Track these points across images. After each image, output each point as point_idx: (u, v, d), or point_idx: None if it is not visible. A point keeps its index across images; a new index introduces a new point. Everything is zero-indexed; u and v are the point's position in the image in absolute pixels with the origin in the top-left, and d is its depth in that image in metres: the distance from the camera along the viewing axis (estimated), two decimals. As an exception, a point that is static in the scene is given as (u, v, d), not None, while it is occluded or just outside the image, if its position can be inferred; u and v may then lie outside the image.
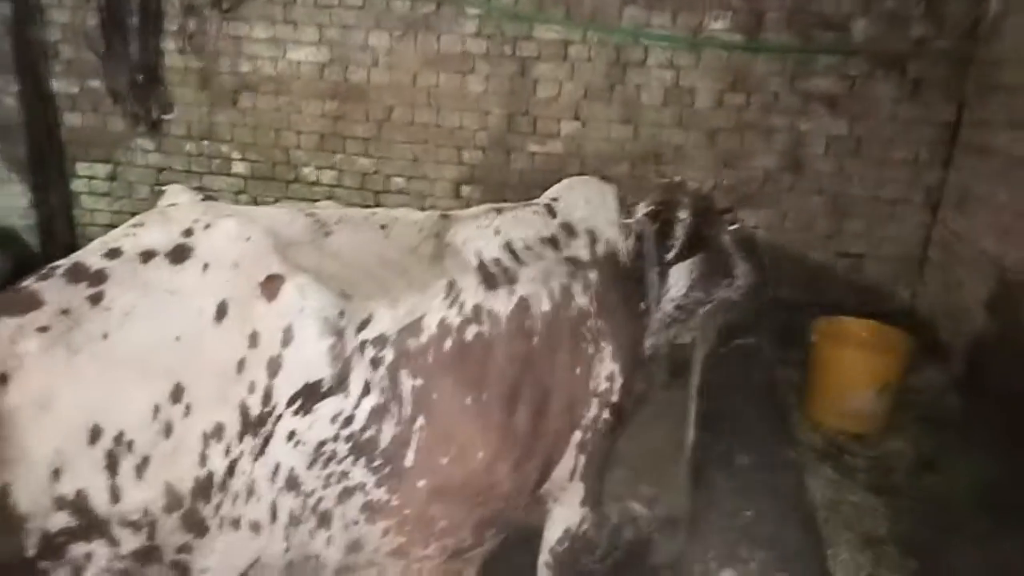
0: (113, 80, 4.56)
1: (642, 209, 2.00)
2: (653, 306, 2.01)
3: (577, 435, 1.79)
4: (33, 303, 1.08)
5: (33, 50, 4.66)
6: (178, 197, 1.37)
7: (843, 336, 3.21)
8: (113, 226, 4.24)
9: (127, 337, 1.10)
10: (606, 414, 1.82)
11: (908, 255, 4.15)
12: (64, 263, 1.15)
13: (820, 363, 3.16)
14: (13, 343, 1.05)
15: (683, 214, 1.98)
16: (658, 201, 2.09)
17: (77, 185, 4.89)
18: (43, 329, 1.06)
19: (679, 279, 2.07)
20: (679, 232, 1.94)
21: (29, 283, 1.11)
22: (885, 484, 2.73)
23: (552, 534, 1.99)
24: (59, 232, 4.89)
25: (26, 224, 4.81)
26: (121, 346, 1.10)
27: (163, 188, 1.38)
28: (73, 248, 4.40)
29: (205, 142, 4.69)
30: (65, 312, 1.08)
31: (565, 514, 1.95)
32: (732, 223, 2.31)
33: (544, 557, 2.03)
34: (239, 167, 4.69)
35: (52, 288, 1.10)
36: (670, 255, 1.99)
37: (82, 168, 4.85)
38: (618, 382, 1.81)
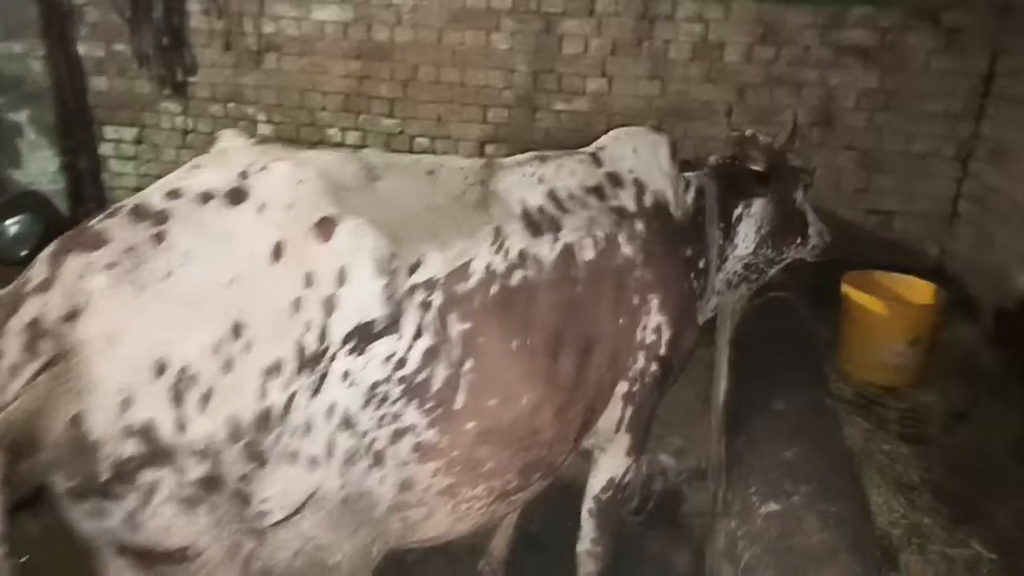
0: (139, 43, 4.57)
1: (711, 162, 1.98)
2: (715, 263, 2.01)
3: (624, 386, 1.80)
4: (100, 241, 1.11)
5: (59, 14, 4.68)
6: (232, 141, 1.39)
7: (874, 289, 3.20)
8: (141, 189, 4.30)
9: (188, 276, 1.13)
10: (653, 366, 1.83)
11: (938, 210, 4.11)
12: (128, 203, 1.17)
13: (851, 316, 3.15)
14: (83, 279, 1.08)
15: (754, 169, 1.96)
16: (728, 155, 2.07)
17: (105, 149, 4.94)
18: (110, 266, 1.09)
19: (747, 236, 2.06)
20: (748, 187, 1.92)
21: (95, 222, 1.14)
22: (917, 434, 2.74)
23: (597, 483, 2.02)
24: (88, 196, 4.95)
25: (56, 188, 4.88)
26: (183, 284, 1.12)
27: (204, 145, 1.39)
28: (102, 211, 4.46)
29: (230, 104, 4.71)
30: (130, 250, 1.11)
31: (610, 463, 1.98)
32: (807, 181, 2.29)
33: (588, 505, 2.07)
34: (264, 129, 4.71)
35: (117, 227, 1.13)
36: (738, 211, 1.98)
37: (109, 132, 4.89)
38: (666, 335, 1.82)
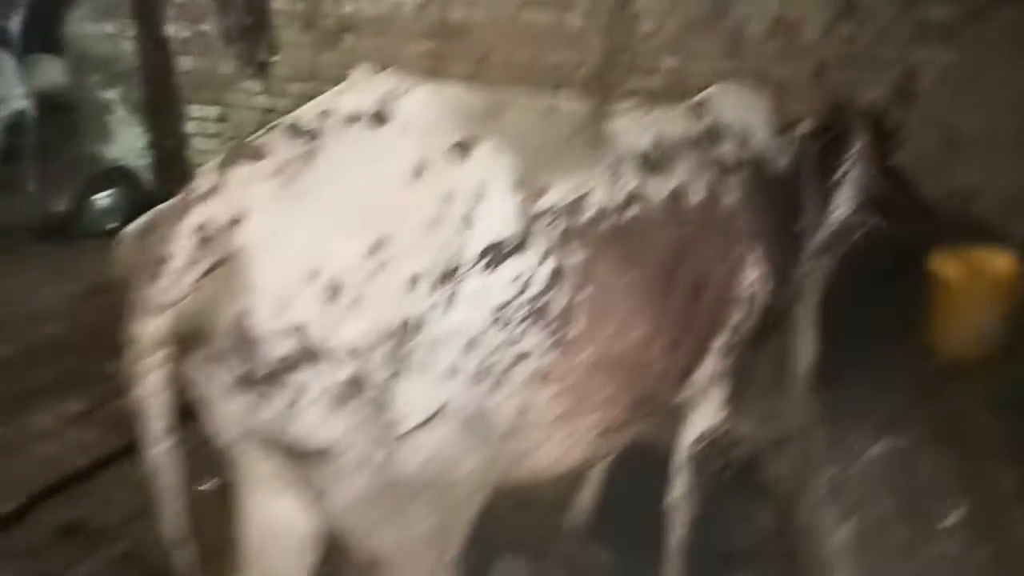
0: (224, 23, 4.73)
1: (807, 126, 2.00)
2: (810, 228, 2.03)
3: (722, 338, 1.84)
4: (261, 154, 1.19)
5: (149, -5, 4.88)
6: (367, 72, 1.46)
7: (962, 264, 3.14)
8: (224, 165, 4.36)
9: (338, 191, 1.21)
10: (751, 319, 1.86)
11: (1024, 188, 4.00)
12: (284, 121, 1.25)
13: (939, 292, 3.11)
14: (245, 188, 1.16)
15: (852, 134, 1.98)
16: (825, 119, 2.09)
17: (190, 127, 5.12)
18: (270, 178, 1.17)
19: (842, 203, 2.07)
20: (846, 153, 1.94)
21: (257, 137, 1.22)
22: (1008, 403, 2.69)
23: (689, 435, 2.06)
24: (173, 172, 5.14)
25: (142, 164, 5.08)
26: (333, 198, 1.20)
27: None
28: (186, 187, 4.62)
29: (310, 83, 4.83)
30: (287, 164, 1.19)
31: (704, 416, 2.01)
32: (894, 152, 2.28)
33: (679, 457, 2.11)
34: (342, 107, 4.81)
35: (276, 143, 1.21)
36: (834, 176, 2.00)
37: (194, 110, 5.07)
38: (765, 288, 1.85)
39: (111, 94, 4.98)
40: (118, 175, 5.03)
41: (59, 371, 3.39)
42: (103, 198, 4.95)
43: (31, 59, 6.34)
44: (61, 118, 6.21)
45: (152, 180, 5.09)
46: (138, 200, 4.99)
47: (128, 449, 2.90)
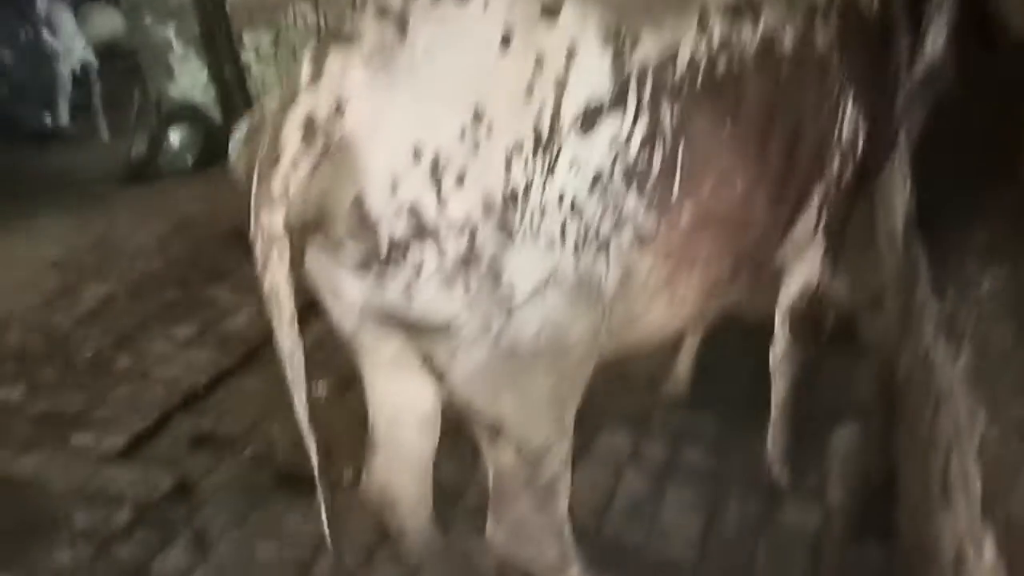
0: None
1: None
2: (904, 71, 1.94)
3: (821, 189, 1.80)
4: (354, 40, 1.20)
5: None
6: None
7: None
8: (285, 90, 4.35)
9: (431, 69, 1.22)
10: (851, 167, 1.82)
11: None
12: (369, 5, 1.25)
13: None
14: (344, 75, 1.19)
15: None
16: None
17: (246, 56, 5.16)
18: (365, 62, 1.19)
19: (932, 42, 1.96)
20: None
21: (346, 23, 1.23)
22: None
23: (791, 291, 2.06)
24: (237, 103, 5.22)
25: (207, 99, 5.18)
26: (427, 77, 1.21)
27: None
28: (250, 115, 4.64)
29: (358, -5, 4.77)
30: (380, 47, 1.20)
31: (805, 270, 2.00)
32: None
33: (782, 314, 2.11)
34: (392, 15, 4.75)
35: (366, 27, 1.22)
36: (927, 13, 1.88)
37: (248, 38, 5.09)
38: (863, 134, 1.79)
39: (168, 31, 5.03)
40: (186, 112, 5.14)
41: (164, 302, 3.58)
42: (175, 137, 5.08)
43: (86, 9, 6.47)
44: (123, 64, 6.36)
45: (219, 114, 5.18)
46: (208, 133, 5.12)
47: (241, 365, 3.10)
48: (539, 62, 1.24)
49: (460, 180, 1.20)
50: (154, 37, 5.06)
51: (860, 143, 1.81)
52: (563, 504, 1.64)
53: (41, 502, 2.45)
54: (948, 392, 1.66)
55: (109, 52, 6.48)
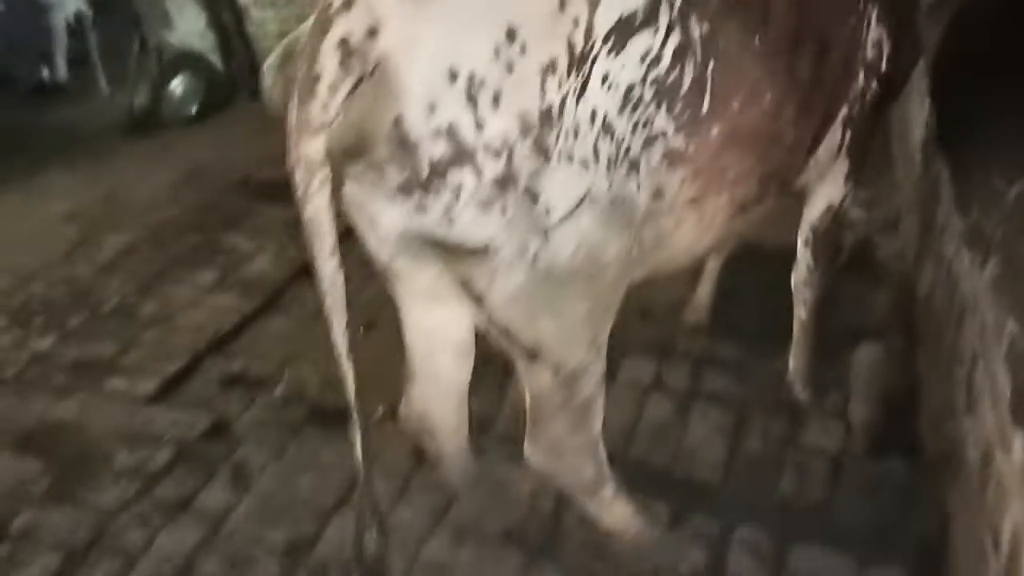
0: None
1: None
2: None
3: (844, 108, 1.80)
4: None
5: None
6: None
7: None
8: (283, 34, 4.38)
9: None
10: (873, 86, 1.81)
11: None
12: None
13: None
14: (376, -1, 1.18)
15: None
16: None
17: (244, 0, 5.07)
18: None
19: None
20: None
21: None
22: None
23: (813, 211, 2.08)
24: (237, 48, 5.15)
25: (207, 45, 5.10)
26: None
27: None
28: (254, 62, 4.67)
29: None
30: None
31: (828, 191, 2.02)
32: None
33: (804, 235, 2.14)
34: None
35: None
36: None
37: (246, -19, 5.00)
38: (886, 51, 1.79)
39: (163, -22, 4.94)
40: (187, 60, 5.07)
41: (183, 250, 3.61)
42: (178, 85, 5.02)
43: (76, -44, 6.30)
44: (118, 14, 6.24)
45: (219, 60, 5.11)
46: (210, 81, 5.06)
47: (265, 308, 3.14)
48: None
49: (496, 100, 1.21)
50: (151, -17, 4.97)
51: (884, 62, 1.80)
52: (598, 424, 1.69)
53: (82, 444, 2.51)
54: (973, 303, 1.69)
55: (103, 2, 6.35)
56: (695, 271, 2.82)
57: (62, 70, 5.96)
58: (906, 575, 1.91)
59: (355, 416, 1.50)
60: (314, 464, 2.37)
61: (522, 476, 2.22)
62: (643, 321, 2.75)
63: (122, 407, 2.66)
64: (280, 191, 4.36)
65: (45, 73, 5.96)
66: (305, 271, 3.29)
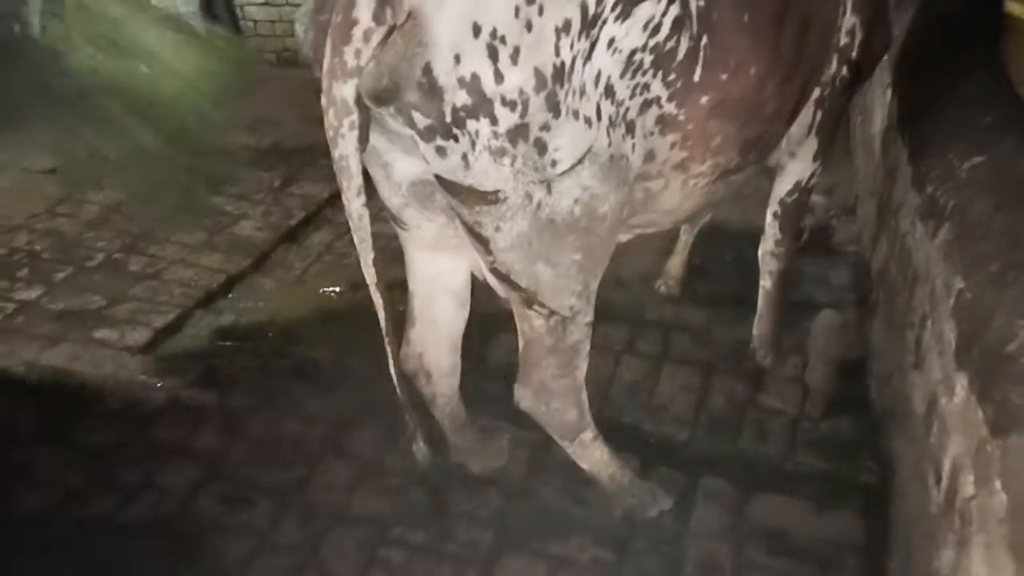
0: None
1: None
2: None
3: (817, 91, 1.95)
4: None
5: None
6: None
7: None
8: (269, 4, 4.44)
9: None
10: (844, 71, 1.97)
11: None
12: None
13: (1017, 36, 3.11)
14: (411, -49, 1.28)
15: None
16: None
17: (228, -35, 5.08)
18: None
19: None
20: None
21: None
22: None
23: (783, 186, 2.24)
24: (220, 14, 5.18)
25: (189, 10, 5.11)
26: None
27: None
28: (237, 29, 4.69)
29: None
30: None
31: (797, 168, 2.18)
32: None
33: (772, 208, 2.30)
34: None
35: None
36: None
37: (231, -54, 5.00)
38: (858, 38, 1.94)
39: (146, -60, 4.93)
40: (169, 24, 5.06)
41: (167, 209, 3.65)
42: (160, 48, 5.02)
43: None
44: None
45: (201, 23, 5.12)
46: (192, 45, 5.06)
47: (252, 268, 3.21)
48: None
49: (514, 56, 1.32)
50: (133, -55, 4.95)
51: (855, 49, 1.96)
52: (582, 369, 1.83)
53: (73, 389, 2.58)
54: (924, 269, 1.87)
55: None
56: (665, 246, 2.99)
57: (36, 27, 5.87)
58: (856, 516, 2.10)
59: (387, 341, 1.61)
60: (302, 413, 2.48)
61: (504, 425, 2.38)
62: (616, 289, 2.90)
63: (112, 356, 2.73)
64: (262, 157, 4.47)
65: (17, 28, 5.87)
66: (289, 236, 3.44)
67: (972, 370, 1.43)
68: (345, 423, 2.44)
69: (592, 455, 2.01)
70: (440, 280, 1.88)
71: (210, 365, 2.69)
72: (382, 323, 1.58)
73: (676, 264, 2.92)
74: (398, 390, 1.72)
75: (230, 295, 3.09)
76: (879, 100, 2.82)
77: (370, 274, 1.52)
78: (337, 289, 3.03)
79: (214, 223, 3.53)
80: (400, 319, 1.91)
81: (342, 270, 3.15)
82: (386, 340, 1.62)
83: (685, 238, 2.88)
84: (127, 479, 2.26)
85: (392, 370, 1.67)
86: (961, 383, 1.48)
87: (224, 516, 2.16)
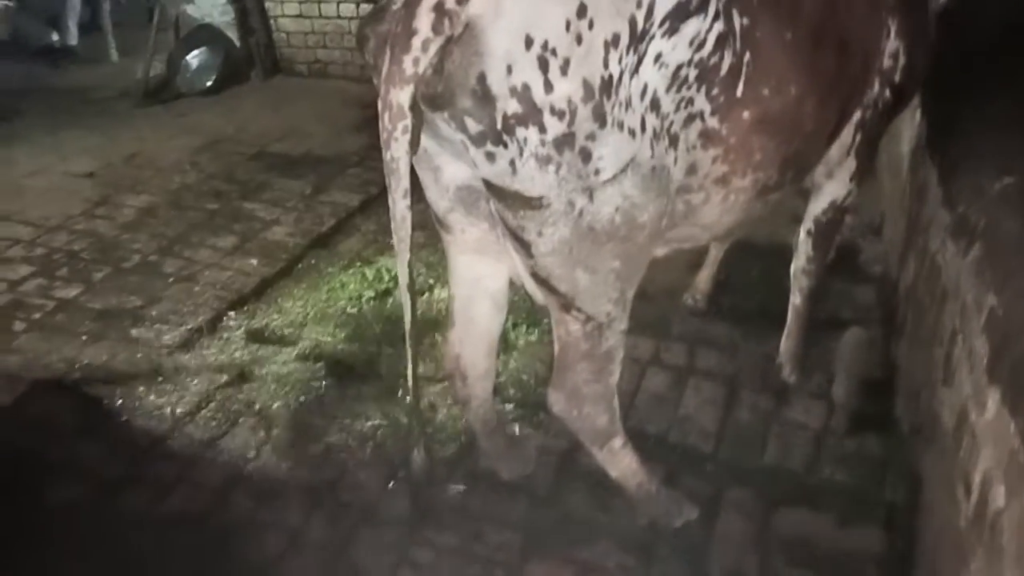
0: None
1: None
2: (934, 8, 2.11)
3: (859, 111, 1.99)
4: None
5: None
6: None
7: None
8: (302, 16, 4.57)
9: None
10: (887, 93, 2.00)
11: None
12: None
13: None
14: (469, -34, 1.34)
15: None
16: None
17: (265, -22, 5.21)
18: None
19: None
20: None
21: None
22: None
23: (818, 205, 2.27)
24: (256, 26, 5.28)
25: (226, 20, 5.23)
26: None
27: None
28: (271, 41, 4.84)
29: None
30: None
31: (833, 188, 2.21)
32: None
33: (807, 226, 2.34)
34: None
35: None
36: None
37: (268, -39, 5.13)
38: (901, 61, 1.98)
39: (187, -48, 5.06)
40: (205, 34, 5.19)
41: (202, 214, 3.73)
42: (195, 58, 5.14)
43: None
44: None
45: (237, 36, 5.24)
46: (226, 56, 5.18)
47: (284, 273, 3.28)
48: None
49: (564, 67, 1.37)
50: (173, -43, 5.09)
51: (898, 73, 1.99)
52: (615, 376, 1.86)
53: (113, 385, 2.64)
54: (955, 285, 1.89)
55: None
56: (692, 260, 3.03)
57: (74, 36, 6.04)
58: (879, 531, 2.11)
59: (408, 347, 1.65)
60: (332, 416, 2.53)
61: (532, 433, 2.41)
62: (643, 301, 2.92)
63: (149, 354, 2.79)
64: (295, 165, 4.57)
65: (55, 36, 6.04)
66: (320, 242, 3.50)
67: (1004, 383, 1.45)
68: (374, 426, 2.49)
69: (621, 462, 2.04)
70: (481, 283, 1.93)
71: (242, 366, 2.74)
72: (407, 324, 1.63)
73: (704, 278, 2.96)
74: (410, 393, 1.75)
75: (263, 298, 3.14)
76: (907, 121, 2.85)
77: (404, 274, 1.57)
78: (367, 295, 3.08)
79: (247, 228, 3.60)
80: (423, 324, 1.94)
81: (371, 276, 3.21)
82: (408, 342, 1.66)
83: (715, 252, 2.91)
84: (162, 474, 2.32)
85: (408, 371, 1.71)
86: (993, 397, 1.50)
87: (256, 513, 2.20)
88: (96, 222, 3.62)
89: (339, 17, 5.18)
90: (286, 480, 2.31)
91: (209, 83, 5.11)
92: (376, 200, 3.70)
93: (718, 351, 2.81)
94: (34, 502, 2.22)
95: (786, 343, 2.62)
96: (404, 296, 1.61)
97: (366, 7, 5.04)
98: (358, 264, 3.31)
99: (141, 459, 2.37)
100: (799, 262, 2.42)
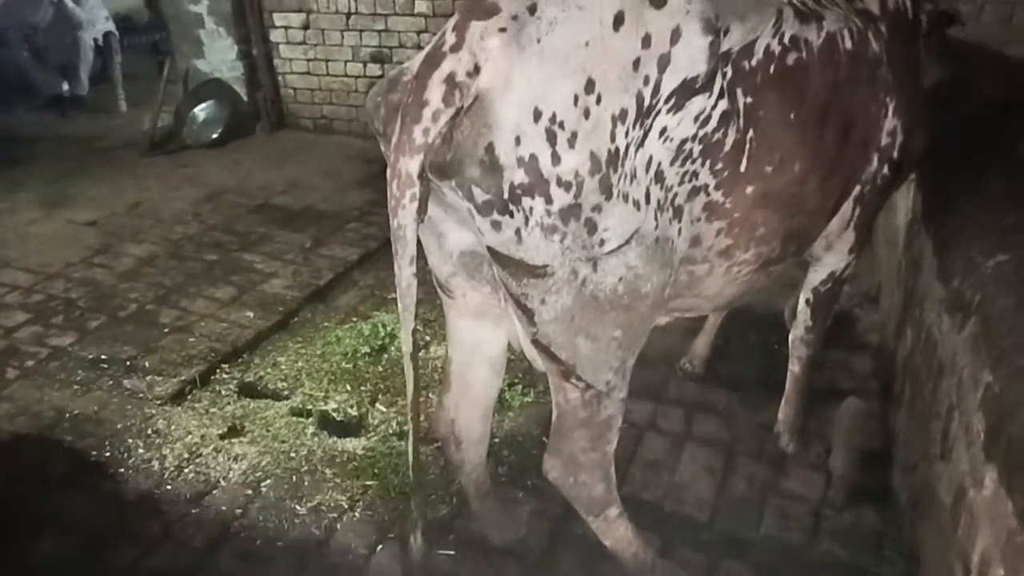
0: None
1: None
2: (929, 89, 2.17)
3: (857, 188, 2.03)
4: (492, 11, 1.39)
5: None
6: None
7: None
8: (309, 73, 4.68)
9: (553, 41, 1.40)
10: (885, 169, 2.05)
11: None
12: None
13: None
14: (482, 40, 1.38)
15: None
16: None
17: (275, 36, 5.32)
18: (501, 31, 1.38)
19: (940, 56, 2.20)
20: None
21: None
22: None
23: (817, 276, 2.30)
24: (263, 82, 5.39)
25: (234, 75, 5.33)
26: (550, 48, 1.40)
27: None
28: (277, 96, 4.96)
29: (389, -14, 4.97)
30: (515, 18, 1.39)
31: (832, 259, 2.24)
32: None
33: (806, 295, 2.36)
34: (421, 6, 4.95)
35: (504, 3, 1.40)
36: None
37: (278, 19, 5.25)
38: (899, 139, 2.02)
39: (200, 7, 5.17)
40: (214, 88, 5.28)
41: (201, 264, 3.74)
42: (202, 111, 5.22)
43: (109, -20, 6.56)
44: (142, 38, 6.47)
45: (244, 91, 5.33)
46: (233, 110, 5.26)
47: (279, 326, 3.27)
48: (647, 41, 1.44)
49: (572, 140, 1.40)
50: (186, 12, 5.20)
51: (896, 150, 2.04)
52: (613, 444, 1.85)
53: (100, 438, 2.61)
54: (951, 360, 1.90)
55: (124, 25, 6.59)
56: (690, 325, 3.03)
57: (84, 85, 6.14)
58: (878, 609, 2.08)
59: (410, 416, 1.64)
60: (321, 472, 2.49)
61: (526, 498, 2.38)
62: (640, 366, 2.92)
63: (140, 406, 2.76)
64: (295, 218, 4.59)
65: (65, 86, 6.14)
66: (317, 296, 3.50)
67: (1001, 462, 1.45)
68: (364, 485, 2.45)
69: (616, 532, 2.01)
70: (479, 348, 1.93)
71: (233, 420, 2.72)
72: (409, 395, 1.61)
73: (702, 344, 2.96)
74: (411, 474, 1.73)
75: (257, 351, 3.13)
76: (902, 194, 2.90)
77: (407, 342, 1.56)
78: (362, 350, 3.08)
79: (245, 280, 3.61)
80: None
81: (367, 331, 3.21)
82: (410, 415, 1.65)
83: (713, 319, 2.92)
84: (148, 529, 2.27)
85: (409, 448, 1.69)
86: (990, 475, 1.50)
87: (242, 573, 2.16)
88: (95, 270, 3.63)
89: (346, 76, 5.29)
90: (273, 539, 2.27)
91: (215, 136, 5.18)
92: (375, 254, 3.74)
93: (715, 418, 2.80)
94: (19, 554, 2.17)
95: (784, 411, 2.62)
96: (407, 365, 1.59)
97: (373, 67, 5.16)
98: (354, 319, 3.31)
99: (128, 513, 2.33)
100: (798, 331, 2.44)
